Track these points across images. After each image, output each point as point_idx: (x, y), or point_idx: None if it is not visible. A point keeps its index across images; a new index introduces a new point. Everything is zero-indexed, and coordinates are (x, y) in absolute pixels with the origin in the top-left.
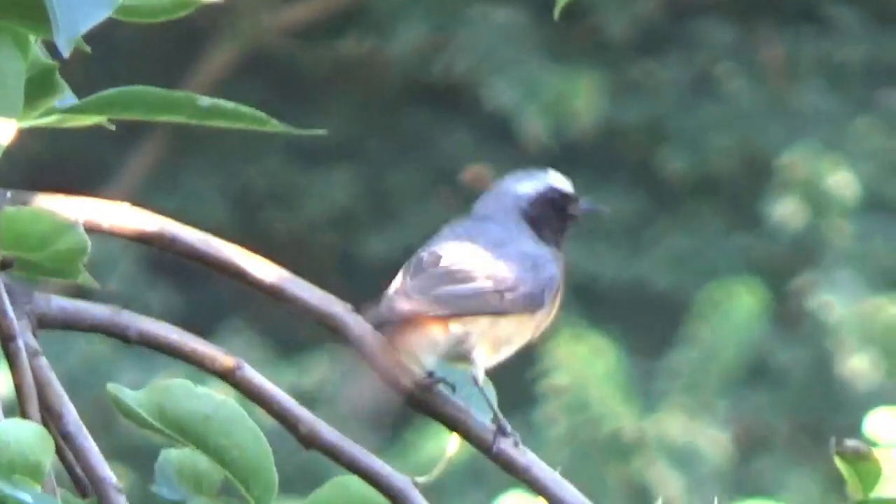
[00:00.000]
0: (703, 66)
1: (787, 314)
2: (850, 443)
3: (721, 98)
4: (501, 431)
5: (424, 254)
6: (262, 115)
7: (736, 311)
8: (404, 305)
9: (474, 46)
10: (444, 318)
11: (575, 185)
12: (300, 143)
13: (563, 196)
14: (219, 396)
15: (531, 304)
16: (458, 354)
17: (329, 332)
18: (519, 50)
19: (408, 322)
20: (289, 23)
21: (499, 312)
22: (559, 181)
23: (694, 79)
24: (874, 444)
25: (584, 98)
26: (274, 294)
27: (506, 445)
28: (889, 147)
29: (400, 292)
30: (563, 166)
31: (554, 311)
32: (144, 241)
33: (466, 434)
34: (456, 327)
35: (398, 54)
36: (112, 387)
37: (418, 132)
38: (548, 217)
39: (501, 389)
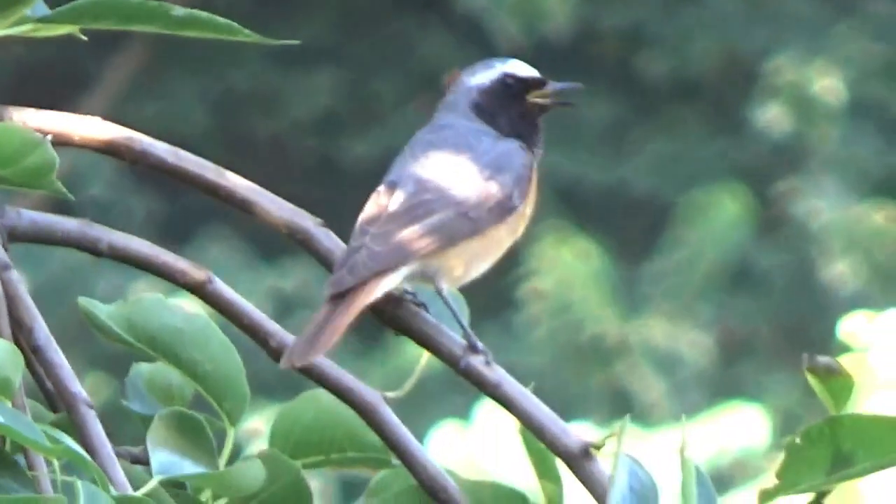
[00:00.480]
0: None
1: (771, 219)
2: (822, 359)
3: (702, 2)
4: (472, 348)
5: (382, 188)
6: (235, 25)
7: (719, 216)
8: (362, 271)
9: None
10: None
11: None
12: (282, 47)
13: (522, 81)
14: (190, 310)
15: (500, 213)
16: (427, 279)
17: (299, 245)
18: None
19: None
20: None
21: (466, 236)
22: (517, 67)
23: None
24: (849, 349)
25: (558, 2)
26: (244, 207)
27: (475, 362)
28: (873, 51)
29: (358, 255)
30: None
31: (529, 208)
32: (114, 153)
33: (437, 349)
34: (418, 265)
35: None
36: (83, 300)
37: (399, 36)
38: (506, 107)
39: (483, 294)
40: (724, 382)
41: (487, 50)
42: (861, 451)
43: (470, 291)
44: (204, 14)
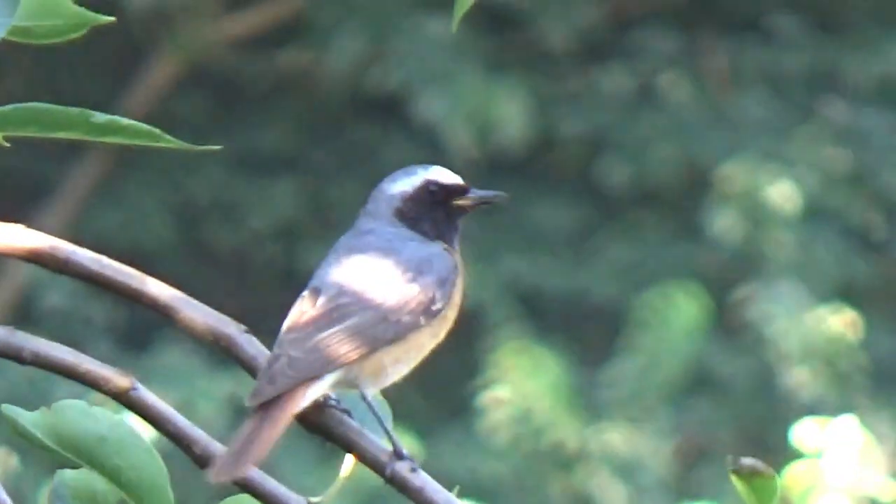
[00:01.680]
0: (646, 75)
1: (729, 324)
2: (746, 460)
3: (663, 108)
4: (397, 455)
5: (306, 293)
6: (157, 131)
7: (677, 317)
8: (282, 380)
9: (409, 58)
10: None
11: (508, 194)
12: (242, 155)
13: (444, 188)
14: (114, 416)
15: (421, 317)
16: (349, 385)
17: (223, 352)
18: (454, 61)
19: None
20: (229, 36)
21: (387, 341)
22: (439, 174)
23: (636, 89)
24: (801, 455)
25: (512, 108)
26: (168, 314)
27: (401, 468)
28: (831, 156)
29: (277, 364)
30: (497, 178)
31: (453, 311)
32: (38, 261)
33: (362, 456)
34: (340, 372)
35: (337, 66)
36: (7, 408)
37: (359, 144)
38: (429, 212)
39: (444, 400)
40: (684, 487)
41: (444, 158)
42: None
43: (431, 396)
44: (125, 120)
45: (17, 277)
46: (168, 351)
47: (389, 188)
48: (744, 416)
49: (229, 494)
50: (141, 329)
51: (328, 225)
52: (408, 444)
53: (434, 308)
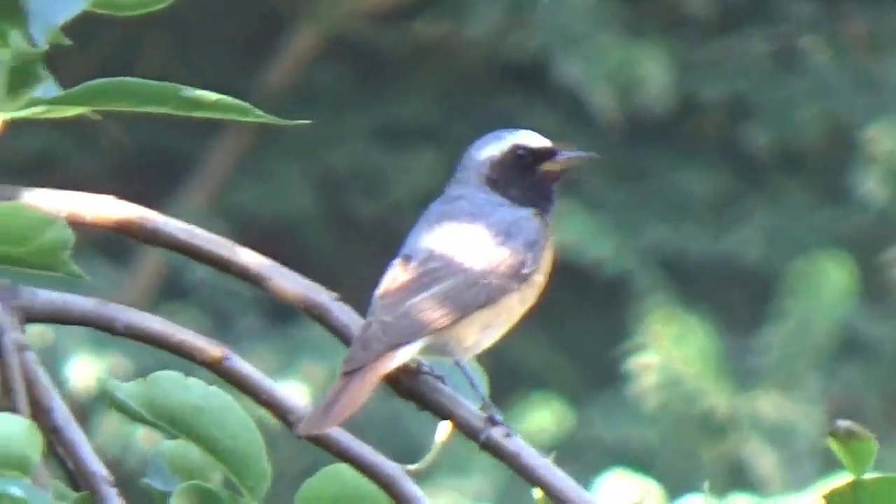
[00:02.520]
0: (785, 39)
1: (876, 287)
2: (842, 423)
3: (804, 71)
4: (491, 420)
5: (397, 260)
6: (248, 105)
7: (826, 285)
8: (375, 345)
9: (548, 23)
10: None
11: (651, 161)
12: (383, 125)
13: (532, 152)
14: (209, 387)
15: (512, 281)
16: (440, 350)
17: (315, 320)
18: (594, 25)
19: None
20: (368, 7)
21: (478, 305)
22: (527, 138)
23: (776, 53)
24: None
25: (654, 70)
26: (259, 283)
27: (496, 434)
28: None
29: (370, 329)
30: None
31: (543, 276)
32: (126, 232)
33: (456, 422)
34: (431, 337)
35: (476, 34)
36: (104, 379)
37: (499, 112)
38: (518, 177)
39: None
40: (833, 453)
41: (587, 124)
42: None
43: (580, 365)
44: (214, 95)
45: (163, 250)
46: (317, 324)
47: (478, 154)
48: (894, 380)
49: (326, 464)
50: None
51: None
52: (559, 411)
53: (524, 272)
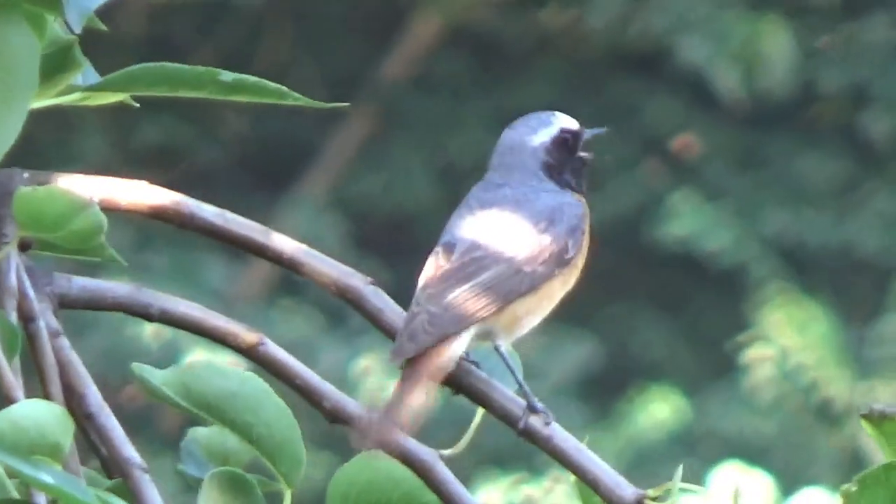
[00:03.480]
0: None
1: None
2: (877, 406)
3: None
4: (531, 408)
5: (440, 248)
6: (285, 89)
7: None
8: (423, 337)
9: (670, 6)
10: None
11: (770, 148)
12: (504, 114)
13: (575, 135)
14: (244, 373)
15: (554, 266)
16: (485, 338)
17: (348, 304)
18: (717, 6)
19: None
20: None
21: (521, 293)
22: (568, 122)
23: None
24: None
25: (779, 47)
26: (294, 267)
27: (534, 422)
28: None
29: (417, 320)
30: (762, 126)
31: (582, 259)
32: (162, 217)
33: (495, 409)
34: (478, 326)
35: (598, 22)
36: (137, 366)
37: (621, 99)
38: (564, 161)
39: (709, 358)
40: None
41: (712, 109)
42: None
43: (697, 355)
44: (251, 78)
45: None
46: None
47: (528, 140)
48: None
49: (359, 450)
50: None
51: (593, 183)
52: (676, 403)
53: (567, 257)
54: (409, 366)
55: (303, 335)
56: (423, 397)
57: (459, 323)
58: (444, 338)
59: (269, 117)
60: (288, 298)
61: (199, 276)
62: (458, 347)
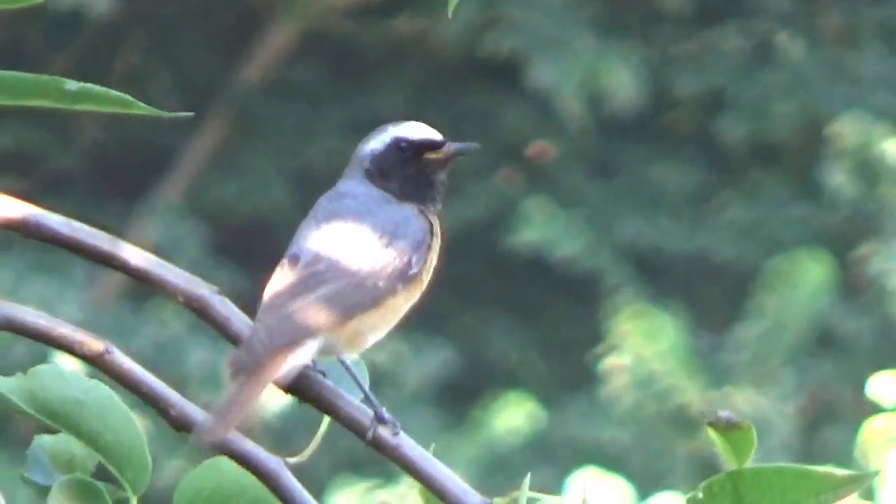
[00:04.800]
0: (761, 34)
1: (850, 282)
2: (723, 413)
3: (780, 66)
4: (379, 418)
5: (286, 260)
6: (130, 98)
7: (803, 281)
8: (258, 348)
9: (522, 23)
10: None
11: (625, 156)
12: (359, 121)
13: (414, 144)
14: (90, 380)
15: (398, 281)
16: (328, 351)
17: (196, 313)
18: (566, 26)
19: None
20: (344, 3)
21: (364, 307)
22: (410, 130)
23: (752, 48)
24: (881, 409)
25: (625, 74)
26: (141, 277)
27: (383, 432)
28: None
29: (255, 332)
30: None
31: (427, 274)
32: (10, 228)
33: (343, 418)
34: (318, 339)
35: (451, 32)
36: None
37: (474, 110)
38: (400, 170)
39: (565, 368)
40: (810, 449)
41: (557, 124)
42: None
43: (554, 364)
44: (97, 87)
45: None
46: None
47: (362, 148)
48: (867, 376)
49: (207, 457)
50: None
51: (447, 190)
52: (531, 410)
53: (410, 273)
54: (244, 375)
55: (170, 334)
56: (251, 400)
57: (297, 335)
58: (281, 350)
59: (125, 123)
60: (155, 297)
61: (64, 276)
62: (295, 359)
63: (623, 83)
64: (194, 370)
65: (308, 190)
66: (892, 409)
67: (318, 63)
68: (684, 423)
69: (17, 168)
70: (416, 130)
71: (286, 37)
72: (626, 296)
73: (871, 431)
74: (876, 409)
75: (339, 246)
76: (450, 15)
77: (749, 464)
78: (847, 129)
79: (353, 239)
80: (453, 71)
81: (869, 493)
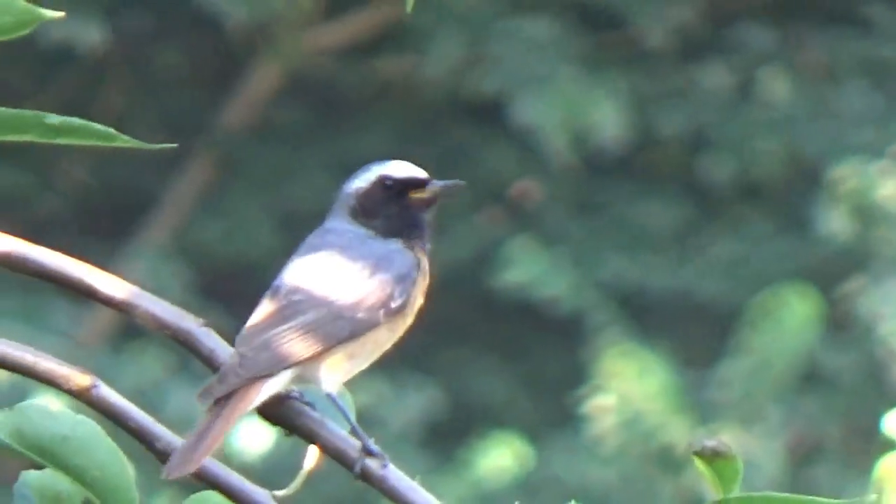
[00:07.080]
0: (745, 71)
1: (837, 320)
2: (709, 442)
3: (763, 103)
4: (366, 451)
5: (268, 293)
6: (113, 131)
7: (789, 318)
8: (232, 379)
9: (506, 61)
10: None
11: (610, 194)
12: (344, 161)
13: (399, 182)
14: (77, 416)
15: (380, 314)
16: (307, 381)
17: (181, 346)
18: (551, 63)
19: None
20: (327, 45)
21: (343, 339)
22: (395, 168)
23: (735, 85)
24: (894, 445)
25: (609, 112)
26: (126, 310)
27: (371, 465)
28: None
29: (230, 363)
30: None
31: (413, 308)
32: None
33: (330, 451)
34: (296, 369)
35: (436, 72)
36: None
37: (459, 149)
38: (384, 208)
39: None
40: (797, 486)
41: (542, 163)
42: None
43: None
44: (78, 121)
45: None
46: None
47: (347, 186)
48: (854, 412)
49: (194, 491)
50: None
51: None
52: (517, 450)
53: (393, 305)
54: (218, 405)
55: (150, 378)
56: (223, 432)
57: (272, 365)
58: (255, 380)
59: (109, 166)
60: (135, 341)
61: (45, 319)
62: (269, 389)
63: (607, 119)
64: (174, 413)
65: (293, 231)
66: None
67: (303, 104)
68: (670, 462)
69: (1, 210)
70: (401, 169)
71: (270, 78)
72: (612, 334)
73: (887, 468)
74: (889, 445)
75: (319, 277)
76: (409, 10)
77: (736, 494)
78: (842, 171)
79: (334, 271)
80: (437, 111)
81: None
